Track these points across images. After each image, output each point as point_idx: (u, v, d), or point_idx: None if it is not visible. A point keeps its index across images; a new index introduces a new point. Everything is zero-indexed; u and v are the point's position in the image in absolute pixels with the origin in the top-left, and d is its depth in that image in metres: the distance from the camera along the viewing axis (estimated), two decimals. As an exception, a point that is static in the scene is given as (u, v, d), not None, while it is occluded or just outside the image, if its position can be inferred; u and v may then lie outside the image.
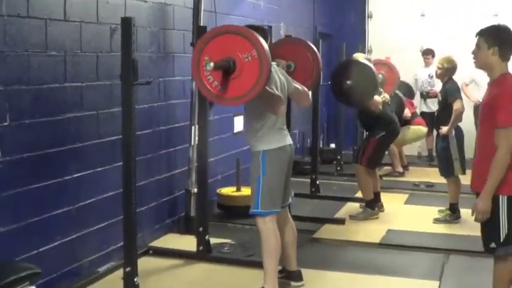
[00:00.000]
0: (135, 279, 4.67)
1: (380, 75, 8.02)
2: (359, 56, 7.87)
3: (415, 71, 11.54)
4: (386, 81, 8.45)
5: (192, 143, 6.54)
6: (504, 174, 4.20)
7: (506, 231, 4.28)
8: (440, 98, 7.38)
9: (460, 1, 11.85)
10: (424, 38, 11.77)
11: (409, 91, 10.86)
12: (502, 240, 4.31)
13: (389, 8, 12.63)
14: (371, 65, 7.30)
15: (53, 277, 4.93)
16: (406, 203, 8.51)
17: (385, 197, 7.94)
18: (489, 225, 4.34)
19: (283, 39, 6.89)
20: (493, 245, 4.35)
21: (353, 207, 7.92)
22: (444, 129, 7.18)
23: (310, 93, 5.44)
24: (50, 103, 4.87)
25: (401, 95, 9.43)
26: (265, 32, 4.96)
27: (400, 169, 10.20)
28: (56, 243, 4.97)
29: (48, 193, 4.87)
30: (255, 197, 4.86)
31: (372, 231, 6.99)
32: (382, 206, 7.76)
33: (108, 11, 5.46)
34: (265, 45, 4.37)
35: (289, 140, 5.06)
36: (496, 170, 4.19)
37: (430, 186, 9.11)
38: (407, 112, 9.93)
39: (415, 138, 10.46)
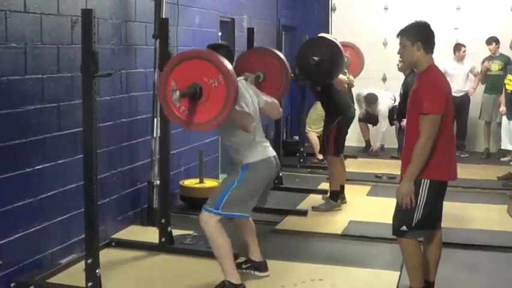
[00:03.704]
0: (97, 271, 4.66)
1: (345, 58, 8.09)
2: (326, 35, 7.88)
3: (378, 64, 11.62)
4: (351, 63, 8.47)
5: (155, 135, 6.53)
6: (428, 159, 4.35)
7: (420, 216, 4.44)
8: (401, 91, 7.46)
9: (423, -6, 11.98)
10: (387, 31, 11.84)
11: None
12: (413, 224, 4.46)
13: (352, 1, 12.69)
14: (337, 42, 7.27)
15: (14, 269, 4.92)
16: (368, 194, 8.60)
17: (347, 189, 8.01)
18: (404, 209, 4.47)
19: (250, 51, 6.91)
20: (404, 228, 4.52)
21: (315, 199, 7.98)
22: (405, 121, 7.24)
23: (279, 104, 5.48)
24: (10, 95, 4.83)
25: None
26: (228, 49, 5.01)
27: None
28: (18, 235, 4.94)
29: (9, 185, 4.84)
30: (219, 198, 4.86)
31: (334, 223, 7.05)
32: (344, 197, 7.82)
33: (68, 3, 5.42)
34: (231, 69, 4.38)
35: (271, 152, 5.09)
36: (417, 154, 4.38)
37: (392, 178, 9.18)
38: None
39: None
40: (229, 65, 4.37)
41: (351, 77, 7.80)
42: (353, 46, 8.89)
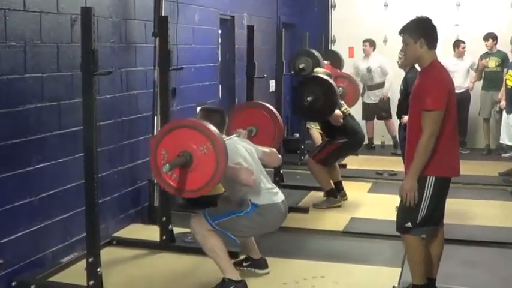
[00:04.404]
0: (98, 270, 4.66)
1: (340, 88, 8.14)
2: (319, 71, 7.90)
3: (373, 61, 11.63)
4: (347, 94, 8.51)
5: (155, 134, 6.52)
6: (432, 156, 4.35)
7: (424, 213, 4.44)
8: (401, 88, 7.43)
9: (423, -10, 11.97)
10: (387, 28, 11.83)
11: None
12: (418, 221, 4.45)
13: (352, -2, 12.69)
14: (330, 80, 7.35)
15: (15, 268, 4.92)
16: (369, 191, 8.59)
17: (348, 186, 8.01)
18: (410, 206, 4.46)
19: (242, 105, 6.99)
20: (409, 224, 4.51)
21: (316, 196, 7.97)
22: (405, 118, 7.23)
23: (277, 152, 5.51)
24: (10, 94, 4.82)
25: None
26: (221, 114, 5.03)
27: None
28: (18, 234, 4.94)
29: (9, 184, 4.84)
30: (220, 215, 4.89)
31: (335, 220, 7.05)
32: (344, 194, 7.82)
33: (68, 1, 5.42)
34: (220, 137, 4.40)
35: (280, 197, 5.10)
36: (421, 151, 4.38)
37: (393, 174, 9.18)
38: None
39: None
40: (216, 131, 4.39)
41: (347, 108, 7.81)
42: (347, 76, 8.93)
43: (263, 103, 6.34)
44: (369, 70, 11.37)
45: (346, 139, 7.52)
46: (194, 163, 4.33)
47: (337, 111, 7.35)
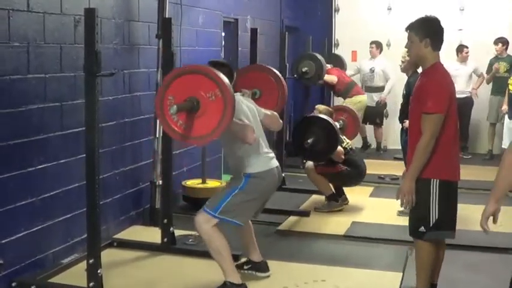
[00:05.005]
0: (99, 271, 4.66)
1: (340, 121, 8.15)
2: (320, 108, 7.91)
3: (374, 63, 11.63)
4: (347, 127, 8.51)
5: (157, 135, 6.52)
6: (434, 158, 4.34)
7: (437, 216, 4.41)
8: (404, 92, 7.43)
9: (426, -5, 11.97)
10: (390, 31, 11.83)
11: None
12: (431, 224, 4.43)
13: (356, 1, 12.67)
14: (329, 119, 7.37)
15: (16, 268, 4.91)
16: (371, 195, 8.59)
17: (350, 190, 7.99)
18: (419, 210, 4.47)
19: (247, 68, 6.94)
20: (422, 229, 4.50)
21: (318, 199, 7.96)
22: (407, 122, 7.22)
23: (278, 116, 5.47)
24: (12, 94, 4.82)
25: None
26: (229, 67, 5.00)
27: None
28: (19, 235, 4.94)
29: (11, 185, 4.83)
30: (219, 202, 4.86)
31: (336, 224, 7.04)
32: (346, 199, 7.81)
33: (72, 2, 5.41)
34: (228, 83, 4.36)
35: (275, 163, 5.09)
36: (419, 153, 4.37)
37: (395, 179, 9.16)
38: (332, 78, 10.08)
39: (359, 110, 10.54)
40: (225, 79, 4.36)
41: (349, 141, 7.82)
42: (348, 110, 8.93)
43: (268, 66, 6.28)
44: (372, 70, 11.37)
45: (349, 168, 7.54)
46: (201, 109, 4.29)
47: (338, 148, 7.37)
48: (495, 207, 3.76)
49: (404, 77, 7.70)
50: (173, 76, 4.46)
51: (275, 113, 5.41)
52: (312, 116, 7.72)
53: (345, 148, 7.55)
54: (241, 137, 4.74)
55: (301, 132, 7.35)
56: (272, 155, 5.13)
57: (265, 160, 5.01)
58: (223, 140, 4.93)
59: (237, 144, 4.86)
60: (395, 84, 10.92)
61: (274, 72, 6.08)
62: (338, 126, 7.57)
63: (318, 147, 7.21)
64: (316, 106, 8.08)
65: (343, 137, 7.76)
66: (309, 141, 7.13)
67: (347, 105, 9.48)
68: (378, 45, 11.51)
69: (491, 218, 3.76)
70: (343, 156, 7.44)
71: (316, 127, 7.28)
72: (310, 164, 7.64)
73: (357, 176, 7.71)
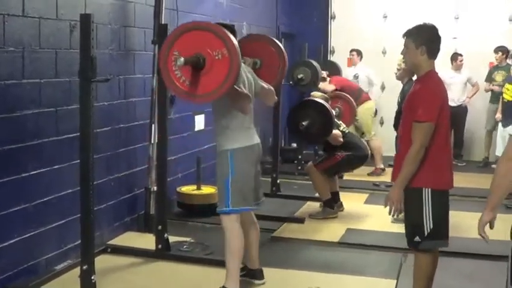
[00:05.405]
0: (92, 278, 4.65)
1: (336, 109, 8.15)
2: (316, 95, 7.91)
3: (377, 73, 11.60)
4: (343, 114, 8.51)
5: (152, 141, 6.52)
6: (425, 167, 4.32)
7: (431, 226, 4.39)
8: (399, 99, 7.43)
9: (422, 3, 11.98)
10: (386, 39, 11.85)
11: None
12: (426, 234, 4.42)
13: (352, 9, 12.69)
14: (324, 103, 7.37)
15: (8, 275, 4.89)
16: (365, 202, 8.57)
17: (345, 197, 8.00)
18: (413, 219, 4.46)
19: (248, 37, 6.90)
20: (417, 238, 4.48)
21: (313, 206, 7.96)
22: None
23: (274, 91, 5.45)
24: (7, 99, 4.82)
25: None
26: (234, 31, 4.95)
27: (382, 165, 10.25)
28: (12, 241, 4.92)
29: (4, 190, 4.82)
30: (225, 196, 4.86)
31: (331, 230, 7.03)
32: (341, 205, 7.82)
33: (68, 7, 5.42)
34: (236, 44, 4.36)
35: (256, 139, 5.09)
36: (409, 162, 4.35)
37: (389, 186, 9.11)
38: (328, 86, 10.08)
39: (371, 116, 10.55)
40: (234, 40, 4.36)
41: (345, 126, 7.84)
42: (343, 97, 8.92)
43: (270, 37, 6.25)
44: (356, 77, 11.31)
45: (350, 153, 7.54)
46: (206, 67, 4.30)
47: (335, 131, 7.38)
48: (491, 215, 3.74)
49: (399, 85, 7.71)
50: (181, 31, 4.46)
51: (272, 88, 5.38)
52: (307, 99, 7.75)
53: (342, 132, 7.56)
54: (237, 104, 4.74)
55: (296, 115, 7.35)
56: (255, 130, 5.12)
57: (248, 136, 5.00)
58: (216, 106, 4.90)
59: (228, 112, 4.84)
60: (392, 93, 10.91)
61: (277, 45, 6.04)
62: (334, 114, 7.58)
63: (313, 129, 7.21)
64: (312, 93, 8.08)
65: (340, 122, 7.78)
66: (303, 123, 7.14)
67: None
68: (358, 53, 11.49)
69: (487, 226, 3.72)
70: (341, 139, 7.45)
71: (311, 110, 7.30)
72: (311, 164, 7.64)
73: (359, 157, 7.73)
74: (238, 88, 4.65)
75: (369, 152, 7.96)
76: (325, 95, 8.00)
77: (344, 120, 8.26)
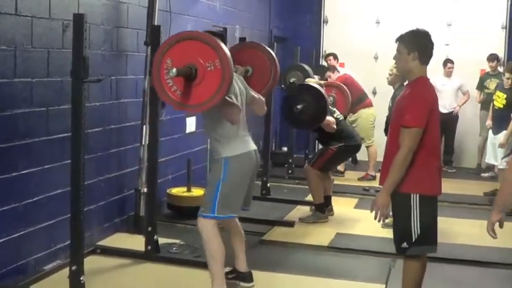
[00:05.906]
0: (81, 278, 4.65)
1: (331, 97, 8.15)
2: (310, 81, 7.92)
3: (368, 78, 11.60)
4: (337, 103, 8.51)
5: (143, 143, 6.51)
6: (413, 172, 4.32)
7: (419, 231, 4.39)
8: (390, 104, 7.45)
9: (415, 9, 12.01)
10: (378, 44, 11.87)
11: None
12: (414, 240, 4.41)
13: (345, 14, 12.69)
14: (320, 88, 7.38)
15: (-3, 274, 4.88)
16: (355, 207, 8.58)
17: (335, 201, 8.01)
18: (401, 225, 4.45)
19: (240, 44, 6.90)
20: (404, 244, 4.46)
21: (303, 210, 7.97)
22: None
23: (264, 101, 5.46)
24: (-2, 98, 4.81)
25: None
26: (222, 37, 4.96)
27: (373, 173, 10.22)
28: (1, 240, 4.90)
29: (-6, 189, 4.80)
30: (211, 201, 4.85)
31: (321, 235, 7.04)
32: (331, 209, 7.82)
33: (60, 7, 5.40)
34: (229, 56, 4.36)
35: (252, 146, 5.09)
36: (396, 167, 4.33)
37: (379, 191, 9.15)
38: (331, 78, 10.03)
39: (371, 122, 10.54)
40: (227, 51, 4.36)
41: (339, 113, 7.85)
42: (337, 85, 8.92)
43: (262, 44, 6.25)
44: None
45: (342, 143, 7.55)
46: (198, 78, 4.30)
47: (329, 118, 7.37)
48: (498, 216, 4.00)
49: (391, 90, 7.72)
50: (174, 40, 4.45)
51: (262, 98, 5.38)
52: (302, 84, 7.76)
53: (336, 118, 7.57)
54: (227, 116, 4.73)
55: (291, 99, 7.36)
56: (249, 137, 5.13)
57: (243, 143, 5.00)
58: (207, 116, 4.91)
59: (219, 122, 4.84)
60: (383, 99, 10.92)
61: (266, 49, 6.04)
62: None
63: (307, 114, 7.20)
64: (306, 79, 8.08)
65: (334, 109, 7.80)
66: (298, 106, 7.13)
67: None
68: (335, 57, 11.44)
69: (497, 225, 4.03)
70: (334, 126, 7.46)
71: (306, 94, 7.29)
72: (307, 165, 7.66)
73: (352, 147, 7.79)
74: (229, 99, 4.65)
75: (361, 141, 7.98)
76: (320, 82, 8.01)
77: (338, 109, 8.26)
